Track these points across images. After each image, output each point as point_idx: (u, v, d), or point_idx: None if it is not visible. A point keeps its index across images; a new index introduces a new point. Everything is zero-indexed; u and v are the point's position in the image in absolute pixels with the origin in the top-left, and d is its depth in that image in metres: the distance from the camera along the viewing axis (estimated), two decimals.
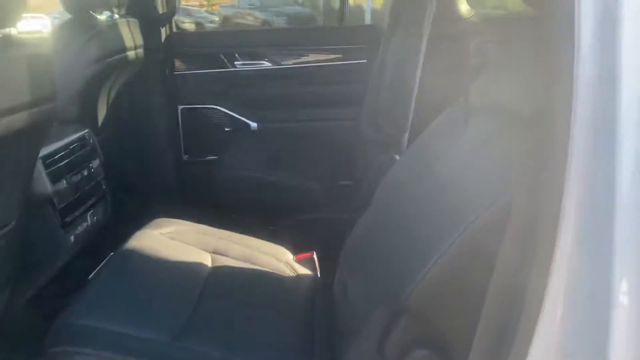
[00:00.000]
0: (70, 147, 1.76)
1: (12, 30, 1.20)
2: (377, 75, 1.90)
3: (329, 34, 2.64)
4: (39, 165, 1.56)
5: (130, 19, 2.26)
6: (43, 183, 1.56)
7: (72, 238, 1.72)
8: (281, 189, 2.07)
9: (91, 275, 1.90)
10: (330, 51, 2.54)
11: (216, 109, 2.62)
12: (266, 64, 2.58)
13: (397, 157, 1.96)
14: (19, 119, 1.21)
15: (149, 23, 2.41)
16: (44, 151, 1.61)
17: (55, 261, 1.66)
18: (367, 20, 5.23)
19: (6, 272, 1.47)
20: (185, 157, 2.69)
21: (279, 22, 9.93)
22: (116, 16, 2.20)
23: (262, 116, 2.62)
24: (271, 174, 2.08)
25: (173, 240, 1.38)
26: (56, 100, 1.35)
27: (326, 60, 2.53)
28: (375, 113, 1.89)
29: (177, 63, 2.57)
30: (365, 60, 2.45)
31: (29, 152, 1.36)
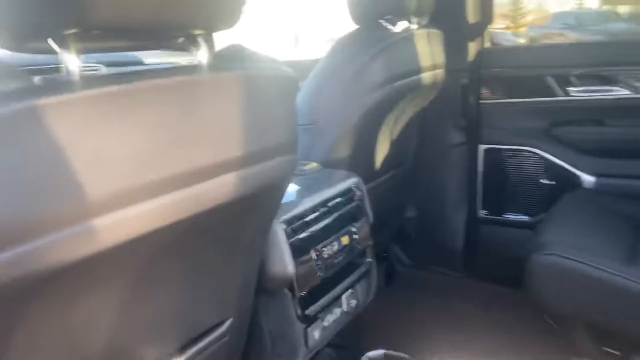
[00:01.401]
0: (330, 203, 1.26)
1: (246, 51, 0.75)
2: None
3: None
4: (279, 232, 1.08)
5: (432, 30, 1.70)
6: (282, 259, 1.08)
7: (316, 334, 1.22)
8: None
9: None
10: None
11: (533, 152, 1.88)
12: (622, 92, 1.73)
13: None
14: (243, 180, 0.73)
15: (455, 36, 1.81)
16: (291, 211, 1.14)
17: None
18: None
19: None
20: (482, 213, 2.02)
21: None
22: (414, 27, 1.66)
23: (604, 168, 1.77)
24: (628, 274, 1.24)
25: None
26: (297, 150, 0.84)
27: None
28: None
29: (486, 88, 1.92)
30: None
31: (258, 219, 0.88)
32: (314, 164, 1.42)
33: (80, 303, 0.65)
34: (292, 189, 1.27)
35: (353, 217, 1.34)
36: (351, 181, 1.37)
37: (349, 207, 1.33)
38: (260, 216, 0.85)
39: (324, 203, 1.24)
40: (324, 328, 1.26)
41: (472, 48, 1.90)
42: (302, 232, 1.15)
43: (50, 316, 0.63)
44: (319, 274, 1.18)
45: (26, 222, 0.49)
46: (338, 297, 1.30)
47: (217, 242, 0.82)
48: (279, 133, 0.77)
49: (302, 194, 1.25)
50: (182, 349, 0.88)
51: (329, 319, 1.27)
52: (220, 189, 0.67)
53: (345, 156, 1.51)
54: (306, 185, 1.30)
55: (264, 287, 1.10)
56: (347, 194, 1.33)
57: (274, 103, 0.75)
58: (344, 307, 1.33)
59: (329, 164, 1.47)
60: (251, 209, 0.81)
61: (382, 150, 1.73)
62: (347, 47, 1.49)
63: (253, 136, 0.71)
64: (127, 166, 0.55)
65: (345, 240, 1.28)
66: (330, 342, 1.34)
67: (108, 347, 0.75)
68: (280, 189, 0.84)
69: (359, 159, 1.57)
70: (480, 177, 1.99)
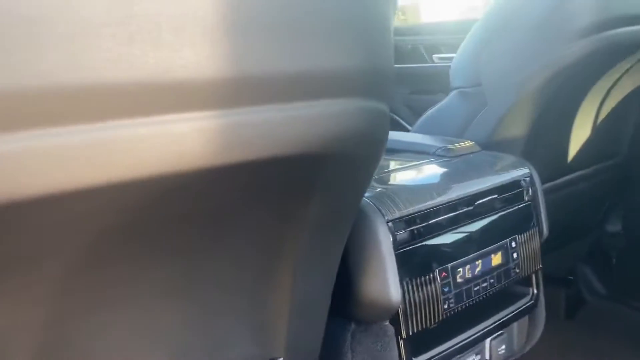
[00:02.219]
0: (479, 201, 0.84)
1: None
2: None
3: None
4: (381, 235, 0.71)
5: None
6: (382, 278, 0.70)
7: None
8: None
9: None
10: None
11: None
12: None
13: None
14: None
15: None
16: (408, 205, 0.75)
17: None
18: None
19: None
20: None
21: None
22: None
23: None
24: None
25: None
26: (380, 94, 0.45)
27: None
28: None
29: None
30: None
31: (305, 210, 0.52)
32: (467, 143, 1.00)
33: None
34: (425, 173, 0.88)
35: (516, 225, 0.89)
36: (520, 172, 0.93)
37: (511, 209, 0.89)
38: (319, 204, 0.49)
39: (469, 200, 0.82)
40: None
41: None
42: (422, 240, 0.75)
43: None
44: (445, 305, 0.78)
45: None
46: (478, 341, 0.88)
47: (239, 234, 0.48)
48: (360, 56, 0.39)
49: (433, 185, 0.85)
50: None
51: None
52: (234, 132, 0.33)
53: (519, 136, 1.05)
54: (449, 171, 0.89)
55: (353, 315, 0.74)
56: (511, 189, 0.89)
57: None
58: (487, 354, 0.91)
59: (492, 146, 1.03)
60: (297, 185, 0.45)
61: (579, 135, 1.22)
62: None
63: (280, 43, 0.35)
64: None
65: (497, 258, 0.85)
66: None
67: None
68: (345, 162, 0.47)
69: (540, 144, 1.09)
70: None
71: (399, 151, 0.98)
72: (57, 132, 0.29)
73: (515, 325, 0.95)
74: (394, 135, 1.09)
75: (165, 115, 0.32)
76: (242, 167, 0.38)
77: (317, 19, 0.38)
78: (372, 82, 0.44)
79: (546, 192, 1.20)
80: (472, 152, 0.98)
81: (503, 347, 0.92)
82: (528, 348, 0.99)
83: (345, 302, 0.73)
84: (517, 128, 1.05)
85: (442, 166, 0.90)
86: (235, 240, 0.49)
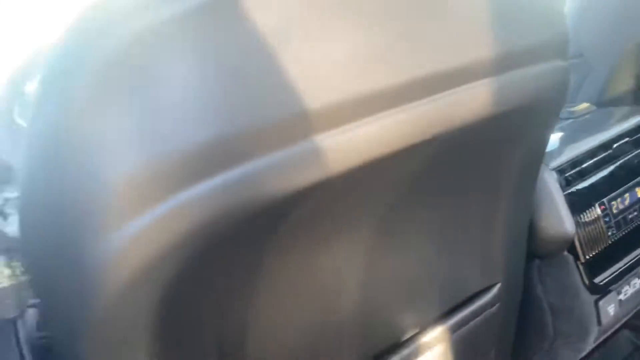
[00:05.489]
0: (614, 145, 0.99)
1: None
2: None
3: None
4: (551, 181, 0.87)
5: None
6: (558, 216, 0.87)
7: (610, 309, 0.96)
8: None
9: None
10: None
11: None
12: None
13: None
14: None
15: None
16: (561, 156, 0.92)
17: (579, 351, 0.95)
18: None
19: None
20: None
21: None
22: None
23: None
24: None
25: None
26: (567, 55, 0.63)
27: None
28: None
29: None
30: None
31: (520, 153, 0.70)
32: (584, 105, 1.15)
33: (319, 245, 0.56)
34: (566, 131, 1.03)
35: None
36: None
37: None
38: (522, 149, 0.67)
39: (605, 145, 0.98)
40: (621, 303, 0.99)
41: None
42: (579, 182, 0.91)
43: (290, 256, 0.55)
44: (608, 233, 0.93)
45: (235, 141, 0.41)
46: (636, 265, 1.01)
47: (472, 180, 0.66)
48: (543, 29, 0.58)
49: (572, 139, 1.00)
50: (445, 316, 0.74)
51: (627, 291, 1.00)
52: (468, 100, 0.51)
53: (629, 90, 1.19)
54: (576, 128, 1.05)
55: (537, 251, 0.90)
56: (638, 132, 1.04)
57: None
58: None
59: (606, 104, 1.18)
60: (510, 135, 0.63)
61: None
62: None
63: (508, 31, 0.53)
64: (347, 71, 0.44)
65: None
66: (628, 323, 1.06)
67: (360, 312, 0.66)
68: (544, 112, 0.64)
69: None
70: None
71: None
72: (396, 111, 0.48)
73: None
74: None
75: (463, 86, 0.51)
76: (490, 119, 0.57)
77: (529, 11, 0.56)
78: (560, 45, 0.62)
79: None
80: (591, 111, 1.13)
81: None
82: None
83: (529, 242, 0.89)
84: (626, 83, 1.19)
85: (570, 126, 1.06)
86: (472, 182, 0.67)
